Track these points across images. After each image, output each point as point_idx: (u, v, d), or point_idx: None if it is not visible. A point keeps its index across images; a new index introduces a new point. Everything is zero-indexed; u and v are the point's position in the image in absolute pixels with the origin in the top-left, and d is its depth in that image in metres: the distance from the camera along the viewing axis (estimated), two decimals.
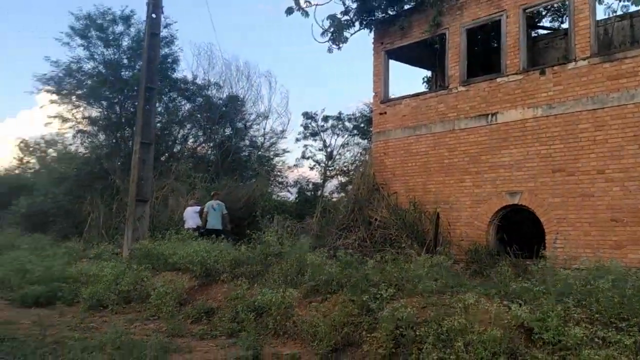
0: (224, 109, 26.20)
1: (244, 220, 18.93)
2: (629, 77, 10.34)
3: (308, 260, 8.99)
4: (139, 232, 14.03)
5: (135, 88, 20.69)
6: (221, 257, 10.21)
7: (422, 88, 19.68)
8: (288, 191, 28.75)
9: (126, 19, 22.81)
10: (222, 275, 9.68)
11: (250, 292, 8.64)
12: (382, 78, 15.44)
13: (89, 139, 24.31)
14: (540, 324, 5.29)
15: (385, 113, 15.20)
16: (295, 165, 33.18)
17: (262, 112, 29.42)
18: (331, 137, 30.80)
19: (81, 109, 23.65)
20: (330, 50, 15.81)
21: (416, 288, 7.14)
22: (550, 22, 16.97)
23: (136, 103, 18.64)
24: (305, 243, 9.83)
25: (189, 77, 26.19)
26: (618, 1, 13.56)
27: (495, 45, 15.24)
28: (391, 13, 15.58)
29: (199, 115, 25.85)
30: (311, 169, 31.49)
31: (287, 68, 61.47)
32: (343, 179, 28.22)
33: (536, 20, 16.40)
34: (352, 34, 15.83)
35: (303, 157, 31.14)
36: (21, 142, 36.74)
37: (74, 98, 23.10)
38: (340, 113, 30.36)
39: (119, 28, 22.87)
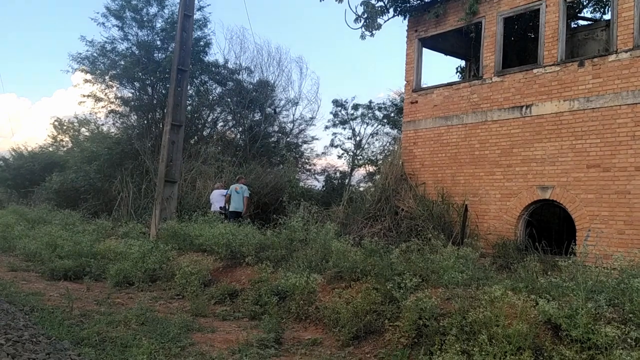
0: (254, 93, 26.25)
1: (270, 206, 19.03)
2: None
3: (333, 247, 8.95)
4: (166, 212, 14.22)
5: (168, 70, 20.84)
6: (247, 240, 10.26)
7: (455, 78, 19.35)
8: (315, 179, 28.77)
9: (160, 0, 22.96)
10: (247, 258, 9.73)
11: (274, 276, 8.67)
12: (414, 66, 15.21)
13: (121, 120, 24.70)
14: (569, 320, 5.13)
15: (417, 102, 14.99)
16: (324, 153, 33.15)
17: (292, 98, 29.41)
18: (360, 125, 30.65)
19: (114, 89, 24.03)
20: (363, 37, 15.60)
21: (441, 279, 7.05)
22: (592, 12, 16.43)
23: (168, 85, 18.81)
24: (330, 230, 9.78)
25: (221, 60, 26.31)
26: None
27: (533, 35, 14.85)
28: (426, 0, 15.29)
29: (229, 100, 25.95)
30: (339, 157, 31.42)
31: (319, 54, 61.23)
32: (371, 169, 28.10)
33: (577, 10, 15.89)
34: (385, 21, 15.60)
35: (331, 145, 31.10)
36: (56, 120, 37.66)
37: (107, 78, 23.44)
38: (370, 102, 30.17)
39: (153, 9, 23.08)
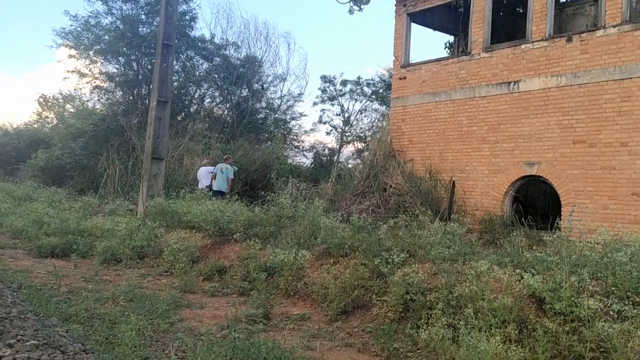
0: (241, 69, 25.97)
1: (258, 183, 19.01)
2: None
3: (321, 224, 8.98)
4: (154, 189, 14.14)
5: (153, 45, 20.54)
6: (235, 217, 10.25)
7: (444, 54, 19.27)
8: (304, 155, 28.73)
9: None
10: (235, 235, 9.74)
11: (262, 252, 8.69)
12: (403, 42, 15.10)
13: (106, 96, 24.40)
14: (553, 294, 5.22)
15: (405, 78, 14.92)
16: (312, 130, 33.14)
17: (279, 74, 29.17)
18: (349, 102, 30.54)
19: (98, 64, 23.69)
20: (351, 11, 15.50)
21: (428, 254, 7.11)
22: None
23: (153, 60, 18.54)
24: (319, 207, 9.79)
25: (207, 35, 25.96)
26: None
27: (521, 10, 14.78)
28: None
29: (216, 75, 25.67)
30: (327, 134, 31.37)
31: (307, 29, 60.59)
32: (359, 145, 28.08)
33: None
34: None
35: (320, 121, 31.00)
36: (40, 97, 37.05)
37: (91, 53, 23.06)
38: (359, 78, 30.03)
39: None
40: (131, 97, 23.41)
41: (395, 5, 15.46)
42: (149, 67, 22.49)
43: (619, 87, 10.43)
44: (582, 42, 11.08)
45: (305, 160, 26.67)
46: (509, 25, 15.39)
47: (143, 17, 22.92)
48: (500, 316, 5.14)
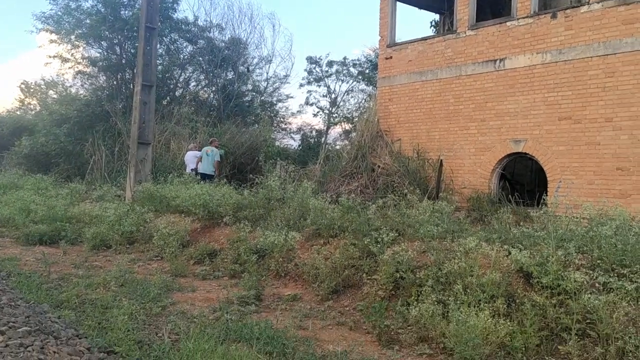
0: (226, 52, 25.71)
1: (246, 166, 18.95)
2: None
3: (310, 205, 9.02)
4: (141, 174, 14.06)
5: (135, 28, 20.21)
6: (224, 200, 10.24)
7: (430, 33, 19.22)
8: (291, 138, 28.70)
9: None
10: (225, 218, 9.75)
11: (252, 235, 8.72)
12: (388, 21, 15.00)
13: (90, 81, 24.07)
14: (540, 268, 5.31)
15: (391, 58, 14.88)
16: (299, 112, 33.01)
17: (265, 55, 28.94)
18: (335, 83, 30.43)
19: (80, 49, 23.30)
20: None
21: (417, 233, 7.18)
22: None
23: (136, 44, 18.28)
24: (307, 188, 9.81)
25: (190, 18, 25.62)
26: None
27: None
28: None
29: (200, 59, 25.40)
30: (315, 115, 31.30)
31: (292, 10, 59.88)
32: (347, 126, 28.07)
33: None
34: None
35: (307, 103, 30.90)
36: (22, 83, 36.47)
37: (73, 38, 22.65)
38: (345, 58, 29.89)
39: None
40: (115, 82, 23.11)
41: None
42: (132, 50, 22.17)
43: (604, 63, 10.49)
44: (566, 18, 11.10)
45: (293, 143, 26.66)
46: (494, 3, 15.35)
47: None
48: (489, 291, 5.23)
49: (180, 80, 25.90)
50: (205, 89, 26.72)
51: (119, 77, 23.12)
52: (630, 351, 4.27)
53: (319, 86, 30.57)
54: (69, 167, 20.18)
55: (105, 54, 22.98)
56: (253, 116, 26.22)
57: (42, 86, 34.30)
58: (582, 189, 10.50)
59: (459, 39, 13.17)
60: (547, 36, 11.38)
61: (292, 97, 38.25)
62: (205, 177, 14.40)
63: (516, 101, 11.83)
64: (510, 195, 10.23)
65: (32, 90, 36.06)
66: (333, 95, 30.39)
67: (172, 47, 24.83)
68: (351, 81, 29.96)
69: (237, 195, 10.84)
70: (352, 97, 30.37)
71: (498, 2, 15.31)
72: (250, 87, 28.07)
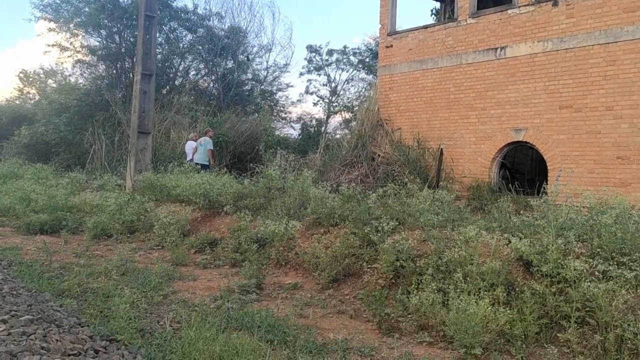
0: (225, 40, 25.60)
1: (246, 155, 18.97)
2: None
3: (311, 194, 9.02)
4: (141, 164, 14.06)
5: (134, 16, 20.11)
6: (224, 190, 10.25)
7: (430, 21, 19.12)
8: (291, 127, 28.69)
9: None
10: (225, 207, 9.75)
11: (253, 224, 8.74)
12: (389, 9, 14.92)
13: (89, 70, 23.97)
14: (540, 256, 5.33)
15: (392, 46, 14.81)
16: (299, 101, 32.91)
17: (265, 44, 28.83)
18: (335, 71, 30.35)
19: (79, 37, 23.17)
20: None
21: (417, 222, 7.19)
22: None
23: (136, 32, 18.18)
24: (308, 178, 9.81)
25: (190, 6, 25.57)
26: None
27: None
28: None
29: (200, 47, 25.30)
30: (315, 104, 31.27)
31: None
32: (347, 115, 28.03)
33: None
34: None
35: (307, 92, 30.84)
36: (21, 72, 36.33)
37: (71, 26, 22.52)
38: (345, 47, 29.81)
39: None
40: (115, 71, 23.03)
41: None
42: (131, 39, 22.07)
43: (605, 51, 10.45)
44: (568, 6, 11.03)
45: (293, 132, 26.66)
46: None
47: None
48: (489, 280, 5.25)
49: (180, 69, 25.83)
50: (205, 78, 26.65)
51: (118, 66, 23.03)
52: (629, 339, 4.29)
53: (319, 75, 30.52)
54: (69, 156, 20.18)
55: (105, 42, 22.87)
56: (253, 105, 26.17)
57: (41, 75, 34.20)
58: (582, 177, 10.50)
59: (459, 27, 13.10)
60: (549, 24, 11.33)
61: (292, 86, 38.25)
62: (202, 167, 14.48)
63: (517, 90, 11.80)
64: (510, 184, 10.23)
65: (31, 79, 35.94)
66: (333, 84, 30.33)
67: (172, 35, 24.72)
68: (351, 70, 29.90)
69: (238, 185, 10.84)
70: (352, 85, 30.33)
71: None
72: (250, 76, 28.00)
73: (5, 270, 6.70)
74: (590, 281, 4.73)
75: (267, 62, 29.08)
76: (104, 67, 23.46)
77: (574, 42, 10.87)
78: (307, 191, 9.30)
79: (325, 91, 30.52)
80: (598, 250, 5.35)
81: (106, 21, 21.86)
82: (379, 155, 13.65)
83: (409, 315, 5.36)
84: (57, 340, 3.96)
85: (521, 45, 11.77)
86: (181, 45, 25.10)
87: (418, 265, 5.95)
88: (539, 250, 5.41)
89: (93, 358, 3.79)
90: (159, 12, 18.02)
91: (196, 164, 14.56)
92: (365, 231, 7.00)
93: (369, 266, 6.48)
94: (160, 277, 6.80)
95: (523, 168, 14.79)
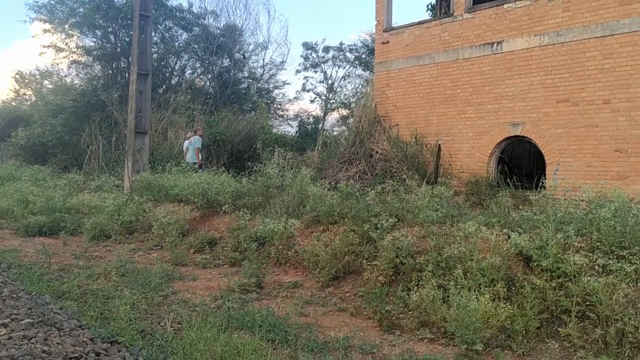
0: (221, 39, 25.53)
1: (244, 153, 18.95)
2: None
3: (309, 192, 9.02)
4: (139, 164, 14.04)
5: (129, 16, 20.05)
6: (222, 189, 10.24)
7: (426, 16, 19.09)
8: (288, 124, 28.61)
9: None
10: (224, 206, 9.75)
11: (252, 222, 8.74)
12: (385, 5, 14.89)
13: (85, 70, 23.88)
14: (539, 251, 5.33)
15: (388, 42, 14.78)
16: (296, 98, 32.89)
17: (260, 42, 28.76)
18: (332, 68, 30.27)
19: (75, 38, 23.08)
20: None
21: (417, 218, 7.19)
22: None
23: (131, 32, 18.14)
24: (306, 175, 9.81)
25: (185, 4, 25.42)
26: None
27: None
28: None
29: (196, 46, 25.22)
30: (312, 101, 31.23)
31: None
32: (344, 112, 27.96)
33: None
34: None
35: (303, 89, 30.77)
36: (16, 73, 36.16)
37: (66, 27, 22.45)
38: (341, 43, 29.71)
39: None
40: (110, 71, 22.96)
41: None
42: (126, 39, 22.01)
43: (601, 44, 10.44)
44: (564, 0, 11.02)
45: (290, 129, 26.57)
46: None
47: None
48: (489, 275, 5.25)
49: (176, 68, 25.76)
50: (201, 76, 26.58)
51: (114, 66, 22.96)
52: (630, 332, 4.30)
53: (316, 72, 30.43)
54: (66, 157, 20.13)
55: (100, 42, 22.79)
56: (250, 103, 26.10)
57: (37, 76, 34.03)
58: (580, 171, 10.51)
59: (455, 22, 13.09)
60: (545, 18, 11.32)
61: (288, 83, 38.24)
62: (192, 165, 14.65)
63: (514, 84, 11.79)
64: (508, 179, 10.23)
65: (26, 80, 35.78)
66: (330, 81, 30.26)
67: (167, 34, 24.63)
68: (348, 67, 29.81)
69: (236, 183, 10.83)
70: (349, 82, 30.26)
71: None
72: (246, 74, 27.93)
73: (5, 273, 6.69)
74: (590, 275, 4.74)
75: (263, 60, 29.03)
76: (99, 67, 23.39)
77: (570, 36, 10.87)
78: (305, 189, 9.30)
79: (322, 88, 30.48)
80: (597, 244, 5.36)
81: (101, 21, 21.79)
82: (376, 152, 13.64)
83: (410, 312, 5.36)
84: (58, 343, 3.96)
85: (517, 40, 11.76)
86: (177, 44, 25.02)
87: (418, 261, 5.95)
88: (538, 245, 5.42)
89: None
90: (153, 11, 17.95)
91: (187, 163, 14.60)
92: (365, 228, 7.00)
93: (369, 263, 6.48)
94: (160, 277, 6.80)
95: (521, 162, 14.81)
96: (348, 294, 6.45)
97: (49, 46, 23.02)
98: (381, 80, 14.93)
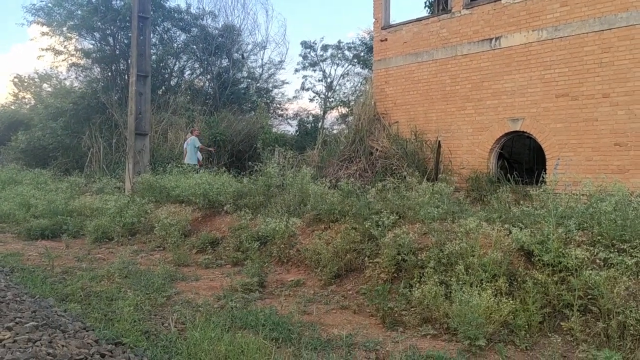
0: (220, 39, 25.54)
1: (244, 153, 18.97)
2: None
3: (310, 191, 9.03)
4: (140, 165, 14.06)
5: (128, 18, 20.07)
6: (223, 189, 10.26)
7: (424, 13, 19.10)
8: (288, 124, 28.64)
9: None
10: (225, 206, 9.77)
11: (253, 222, 8.76)
12: (382, 3, 14.90)
13: (84, 73, 23.91)
14: (541, 246, 5.35)
15: (386, 40, 14.79)
16: (295, 97, 32.92)
17: (259, 42, 28.78)
18: (331, 67, 30.29)
19: (73, 41, 23.12)
20: None
21: (418, 215, 7.21)
22: None
23: (130, 34, 18.15)
24: (306, 174, 9.82)
25: (183, 5, 25.52)
26: None
27: None
28: None
29: (194, 47, 25.23)
30: (311, 100, 31.26)
31: None
32: (344, 110, 27.98)
33: None
34: None
35: (302, 88, 30.79)
36: (15, 77, 36.18)
37: (65, 29, 22.46)
38: (339, 42, 29.75)
39: None
40: (110, 73, 22.98)
41: None
42: (125, 41, 22.01)
43: (599, 38, 10.45)
44: None
45: (290, 129, 26.59)
46: None
47: None
48: (491, 271, 5.27)
49: (175, 69, 25.78)
50: (200, 77, 26.61)
51: (113, 68, 22.98)
52: (632, 325, 4.32)
53: (314, 71, 30.45)
54: (67, 160, 20.16)
55: (99, 45, 22.82)
56: (249, 103, 26.12)
57: (36, 80, 34.07)
58: (580, 165, 10.52)
59: (453, 19, 13.09)
60: (543, 13, 11.32)
61: (287, 82, 38.15)
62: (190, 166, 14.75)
63: (513, 80, 11.80)
64: (509, 174, 10.24)
65: (26, 84, 35.81)
66: (329, 80, 30.27)
67: (166, 36, 24.65)
68: (346, 65, 29.83)
69: (237, 183, 10.86)
70: (347, 80, 30.28)
71: None
72: (245, 74, 27.95)
73: (8, 277, 6.71)
74: (591, 269, 4.76)
75: (262, 59, 29.04)
76: (98, 69, 23.41)
77: (569, 30, 10.87)
78: (306, 188, 9.31)
79: (321, 87, 30.50)
80: (598, 237, 5.38)
81: (99, 23, 21.80)
82: (376, 150, 13.66)
83: (412, 309, 5.37)
84: (63, 345, 3.97)
85: (516, 35, 11.77)
86: (175, 45, 25.04)
87: (419, 258, 5.97)
88: (539, 240, 5.43)
89: None
90: (152, 12, 17.98)
91: (187, 164, 14.63)
92: (366, 226, 7.02)
93: (371, 261, 6.49)
94: (162, 278, 6.82)
95: (521, 158, 14.81)
96: (350, 292, 6.47)
97: (47, 49, 23.06)
98: (380, 78, 14.94)
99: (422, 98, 13.80)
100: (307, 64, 30.28)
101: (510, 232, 5.76)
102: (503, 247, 5.61)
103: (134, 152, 14.05)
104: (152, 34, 19.43)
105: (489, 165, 12.25)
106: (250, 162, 13.20)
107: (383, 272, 6.25)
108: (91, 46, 23.00)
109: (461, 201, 8.31)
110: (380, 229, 6.80)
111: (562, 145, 10.90)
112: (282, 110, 29.93)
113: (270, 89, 29.59)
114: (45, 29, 22.68)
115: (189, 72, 26.63)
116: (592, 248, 5.07)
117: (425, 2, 20.01)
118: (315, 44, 29.85)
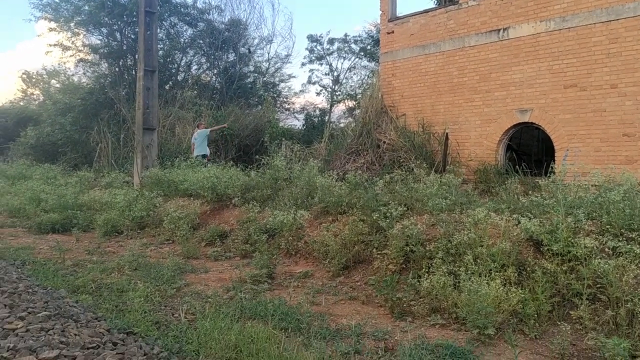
0: (226, 33, 25.55)
1: (252, 147, 19.02)
2: None
3: (317, 183, 9.05)
4: (148, 160, 14.13)
5: (135, 13, 20.11)
6: (232, 182, 10.30)
7: (431, 5, 19.00)
8: (295, 118, 28.64)
9: None
10: (233, 199, 9.82)
11: (261, 215, 8.79)
12: None
13: (92, 68, 24.01)
14: (550, 236, 5.34)
15: (393, 32, 14.74)
16: (302, 91, 32.92)
17: (265, 36, 28.78)
18: (337, 60, 30.24)
19: (81, 36, 23.20)
20: None
21: (426, 206, 7.21)
22: None
23: (137, 29, 18.19)
24: (314, 167, 9.84)
25: (189, 0, 25.43)
26: None
27: None
28: None
29: (201, 41, 25.26)
30: (318, 94, 31.24)
31: None
32: (350, 104, 27.95)
33: None
34: None
35: (309, 82, 30.77)
36: (23, 73, 36.41)
37: (72, 25, 22.55)
38: (346, 35, 29.64)
39: None
40: (117, 69, 23.06)
41: None
42: (132, 36, 22.08)
43: (607, 29, 10.37)
44: None
45: (297, 123, 26.60)
46: None
47: None
48: (500, 260, 5.27)
49: (182, 64, 25.83)
50: (207, 72, 26.64)
51: (120, 63, 23.07)
52: None
53: (321, 64, 30.41)
54: (76, 155, 20.30)
55: (106, 40, 22.90)
56: (256, 97, 26.15)
57: (44, 76, 34.26)
58: (589, 156, 10.46)
59: (461, 10, 13.02)
60: (550, 4, 11.24)
61: (294, 76, 38.23)
62: (203, 156, 14.87)
63: (521, 71, 11.74)
64: (517, 166, 10.21)
65: (34, 80, 36.04)
66: (335, 73, 30.22)
67: (172, 31, 24.69)
68: (353, 58, 29.75)
69: (245, 177, 10.89)
70: (354, 74, 30.21)
71: None
72: (252, 68, 27.97)
73: (20, 270, 6.79)
74: (600, 258, 4.75)
75: (268, 53, 29.12)
76: (106, 65, 23.51)
77: (576, 21, 10.79)
78: (313, 180, 9.34)
79: (327, 80, 30.46)
80: (607, 227, 5.36)
81: (106, 19, 21.87)
82: (384, 142, 13.65)
83: (421, 299, 5.38)
84: (75, 334, 4.03)
85: (524, 26, 11.69)
86: (182, 40, 25.09)
87: (428, 249, 5.97)
88: (549, 230, 5.43)
89: (112, 350, 3.84)
90: (158, 7, 18.00)
91: (196, 156, 14.72)
92: (374, 218, 7.03)
93: (379, 252, 6.51)
94: (172, 270, 6.87)
95: (529, 149, 14.75)
96: (359, 283, 6.49)
97: (55, 45, 23.20)
98: (387, 71, 14.90)
99: (430, 90, 13.75)
100: (313, 58, 30.26)
101: (519, 222, 5.75)
102: (512, 237, 5.60)
103: (142, 147, 14.12)
104: (158, 29, 19.46)
105: (497, 157, 12.21)
106: (257, 156, 13.23)
107: (391, 264, 6.26)
108: (98, 42, 23.10)
109: (469, 193, 8.29)
110: (388, 220, 6.81)
111: (570, 136, 10.85)
112: (289, 104, 29.96)
113: (277, 83, 29.61)
114: (52, 24, 22.81)
115: (195, 66, 26.70)
116: (601, 237, 5.06)
117: None
118: (322, 37, 29.83)
